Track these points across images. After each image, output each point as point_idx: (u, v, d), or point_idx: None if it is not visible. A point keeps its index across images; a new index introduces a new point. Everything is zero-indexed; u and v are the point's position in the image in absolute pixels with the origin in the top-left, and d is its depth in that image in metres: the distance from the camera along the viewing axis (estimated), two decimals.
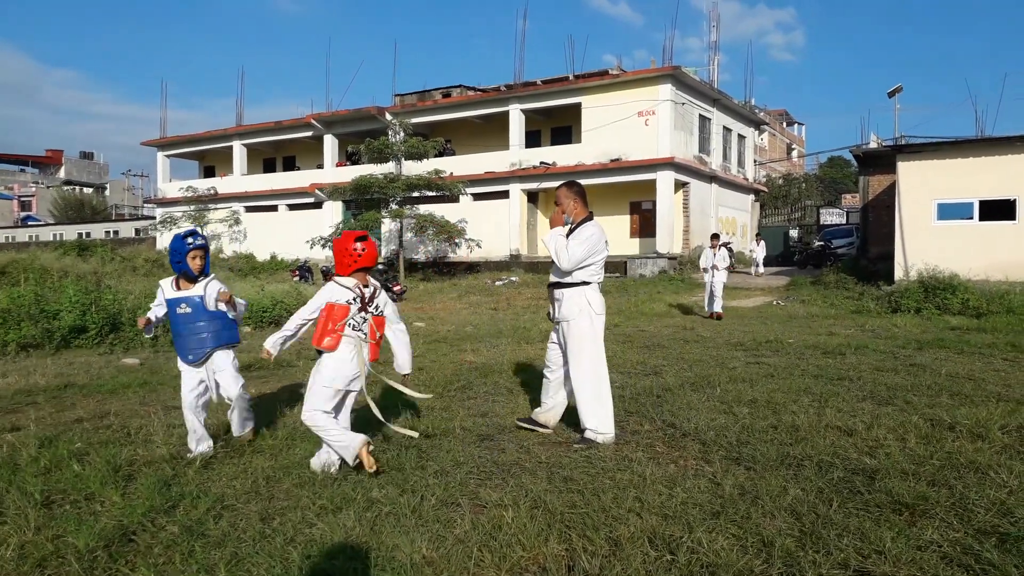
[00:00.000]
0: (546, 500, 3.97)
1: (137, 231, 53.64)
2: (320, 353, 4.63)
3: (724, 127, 32.74)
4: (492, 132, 32.53)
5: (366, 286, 4.77)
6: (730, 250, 28.85)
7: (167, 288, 5.23)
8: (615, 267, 26.49)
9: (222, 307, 5.26)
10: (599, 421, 5.23)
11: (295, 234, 32.97)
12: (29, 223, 67.84)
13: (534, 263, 28.40)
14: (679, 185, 28.46)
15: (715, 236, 16.50)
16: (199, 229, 36.89)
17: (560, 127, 32.21)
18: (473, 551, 3.37)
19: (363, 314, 4.68)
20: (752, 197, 35.98)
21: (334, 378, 4.58)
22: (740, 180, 34.25)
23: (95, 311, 11.88)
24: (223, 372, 5.28)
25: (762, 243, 27.58)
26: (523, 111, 30.76)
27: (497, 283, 24.57)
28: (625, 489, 4.13)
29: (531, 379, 7.73)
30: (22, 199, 77.53)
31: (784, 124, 61.75)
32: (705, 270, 15.78)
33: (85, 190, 79.85)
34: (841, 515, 3.70)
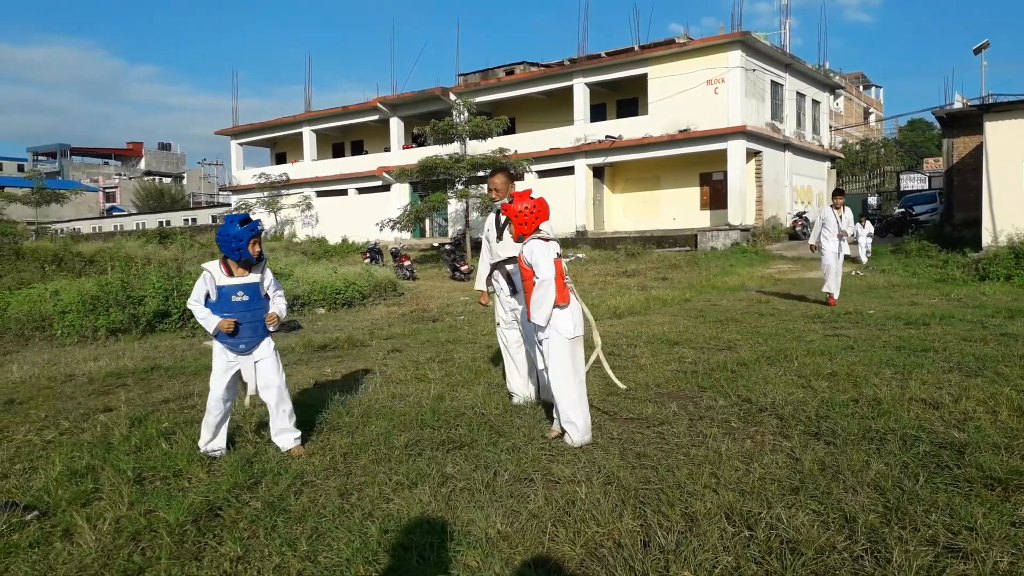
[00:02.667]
0: (619, 476, 3.94)
1: (214, 218, 55.45)
2: None
3: (797, 93, 31.65)
4: (556, 108, 32.25)
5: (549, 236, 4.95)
6: (806, 220, 28.02)
7: (217, 274, 4.73)
8: (685, 240, 26.03)
9: (280, 303, 4.96)
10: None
11: (365, 217, 33.51)
12: (113, 213, 70.92)
13: (601, 239, 28.16)
14: (751, 154, 27.70)
15: (839, 192, 12.51)
16: (273, 215, 37.91)
17: (626, 99, 31.69)
18: (547, 526, 3.37)
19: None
20: (828, 164, 34.75)
21: (574, 325, 4.76)
22: (815, 147, 33.11)
23: (176, 297, 12.34)
24: (267, 360, 4.85)
25: (868, 224, 21.08)
26: (587, 85, 30.37)
27: (564, 260, 24.46)
28: (700, 465, 4.07)
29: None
30: (107, 190, 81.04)
31: (861, 87, 59.34)
32: (829, 237, 11.99)
33: (164, 180, 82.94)
34: (928, 490, 3.56)
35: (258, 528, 3.53)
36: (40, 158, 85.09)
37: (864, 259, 20.11)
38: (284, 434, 4.85)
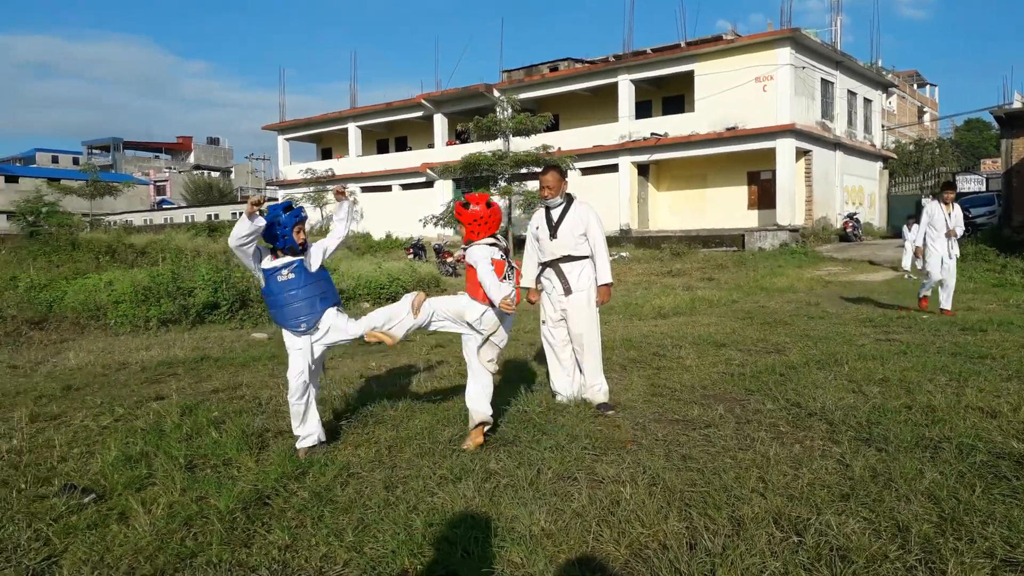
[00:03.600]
0: (665, 477, 3.90)
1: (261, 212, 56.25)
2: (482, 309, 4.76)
3: (848, 91, 31.01)
4: (600, 104, 32.09)
5: (499, 241, 4.97)
6: (857, 221, 27.44)
7: (264, 257, 4.75)
8: (732, 240, 25.69)
9: (335, 236, 5.01)
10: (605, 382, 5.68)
11: (408, 213, 33.76)
12: (164, 206, 72.57)
13: (645, 237, 27.95)
14: (800, 153, 27.22)
15: (949, 185, 11.03)
16: (319, 210, 38.39)
17: (671, 96, 31.38)
18: (591, 525, 3.36)
19: (510, 269, 4.87)
20: (880, 164, 33.98)
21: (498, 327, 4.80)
22: (867, 146, 32.40)
23: (225, 288, 12.58)
24: (337, 327, 4.75)
25: (915, 228, 20.86)
26: (632, 81, 30.15)
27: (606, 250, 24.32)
28: (747, 469, 4.01)
29: (644, 356, 7.63)
30: (157, 184, 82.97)
31: (915, 86, 57.84)
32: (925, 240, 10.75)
33: (212, 174, 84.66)
34: (985, 501, 3.46)
35: (305, 518, 3.59)
36: (94, 152, 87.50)
37: (907, 264, 18.92)
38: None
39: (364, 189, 39.45)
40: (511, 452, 4.48)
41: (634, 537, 3.26)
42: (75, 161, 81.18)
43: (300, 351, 4.70)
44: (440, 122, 36.57)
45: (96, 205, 51.76)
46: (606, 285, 5.63)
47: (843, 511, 3.41)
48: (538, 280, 5.88)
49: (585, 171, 30.51)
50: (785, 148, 26.15)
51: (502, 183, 27.85)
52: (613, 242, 27.63)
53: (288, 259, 4.71)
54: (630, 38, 41.73)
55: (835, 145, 29.40)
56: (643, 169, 30.53)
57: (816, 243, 25.46)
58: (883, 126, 36.58)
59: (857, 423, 4.81)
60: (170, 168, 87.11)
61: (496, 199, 28.71)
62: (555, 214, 5.68)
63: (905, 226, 19.21)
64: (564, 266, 5.63)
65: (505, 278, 4.73)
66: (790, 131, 25.89)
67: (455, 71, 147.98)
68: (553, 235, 5.64)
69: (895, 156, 36.57)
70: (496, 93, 32.61)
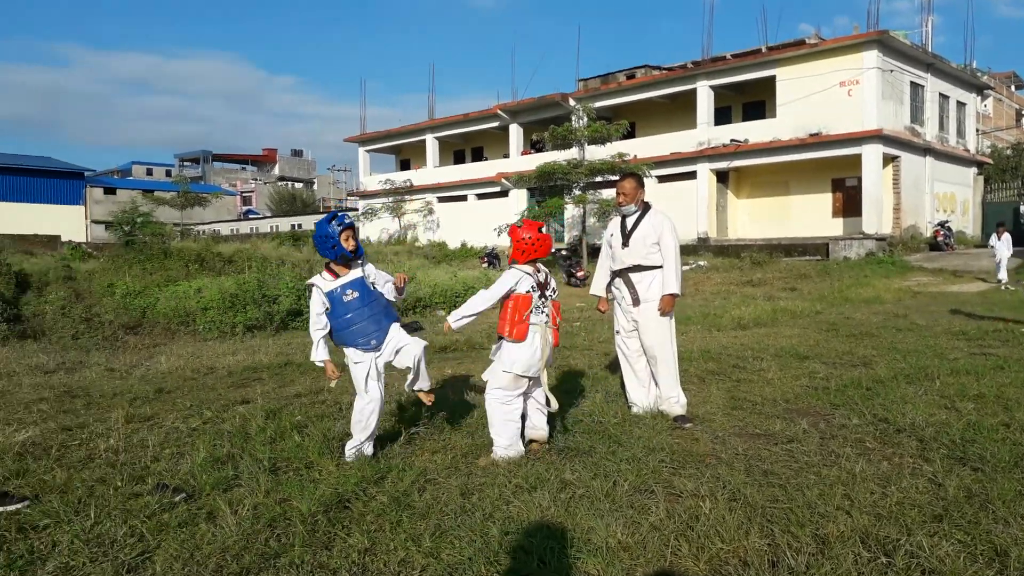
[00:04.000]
0: (745, 493, 3.81)
1: None
2: (501, 338, 4.74)
3: (940, 94, 29.73)
4: (678, 112, 31.69)
5: (539, 272, 4.83)
6: (949, 230, 26.25)
7: (323, 283, 4.72)
8: (815, 249, 24.94)
9: (391, 289, 4.94)
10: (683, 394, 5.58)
11: (483, 222, 34.05)
12: (250, 216, 75.29)
13: (724, 246, 27.41)
14: (888, 159, 26.24)
15: None
16: (397, 220, 39.10)
17: (752, 102, 30.75)
18: (670, 539, 3.30)
19: (542, 299, 4.77)
20: (974, 170, 32.44)
21: (514, 362, 4.66)
22: (959, 151, 30.99)
23: (308, 296, 12.95)
24: (402, 340, 4.83)
25: (1006, 237, 18.17)
26: (712, 87, 29.68)
27: (684, 268, 23.97)
28: (832, 486, 3.88)
29: (723, 368, 7.48)
30: (244, 194, 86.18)
31: (1012, 88, 54.98)
32: None
33: (296, 185, 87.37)
34: None
35: (384, 522, 3.64)
36: (185, 164, 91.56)
37: (1003, 275, 17.79)
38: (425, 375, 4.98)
39: (441, 199, 40.01)
40: (587, 463, 4.45)
41: (714, 553, 3.19)
42: (167, 173, 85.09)
43: (360, 365, 4.77)
44: (515, 132, 36.81)
45: (186, 215, 54.05)
46: (671, 295, 5.50)
47: (936, 532, 3.26)
48: (609, 289, 5.81)
49: (662, 179, 30.14)
50: (871, 154, 25.26)
51: (576, 192, 27.78)
52: (690, 251, 27.22)
53: (350, 277, 4.70)
54: (709, 44, 41.13)
55: (925, 151, 28.24)
56: (722, 176, 29.98)
57: (904, 252, 24.47)
58: (978, 130, 34.89)
59: (950, 441, 4.59)
60: (256, 179, 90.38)
61: (570, 208, 28.81)
62: (629, 222, 5.61)
63: (995, 234, 18.19)
64: (633, 276, 5.56)
65: (535, 310, 4.71)
66: (877, 137, 25.00)
67: (531, 81, 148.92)
68: (625, 243, 5.57)
69: (991, 161, 34.82)
70: (571, 102, 32.62)
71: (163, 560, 3.27)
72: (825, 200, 28.52)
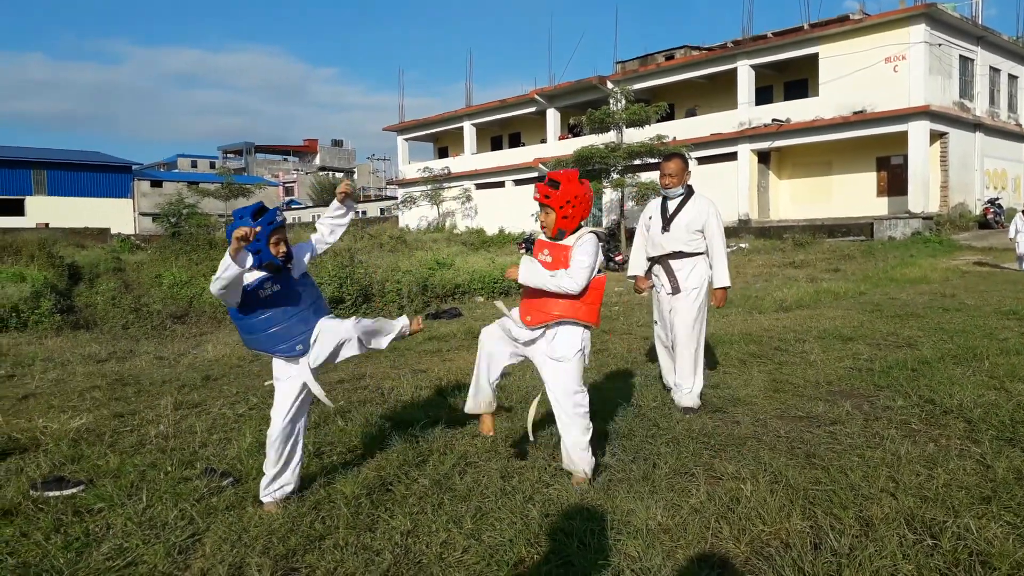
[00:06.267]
0: (787, 475, 3.78)
1: (382, 211, 58.34)
2: (567, 324, 3.90)
3: (991, 67, 28.78)
4: (718, 92, 31.21)
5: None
6: (999, 207, 25.48)
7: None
8: (860, 229, 24.42)
9: (327, 230, 4.05)
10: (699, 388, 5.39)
11: (520, 208, 33.99)
12: (292, 206, 76.25)
13: (765, 228, 26.98)
14: (935, 136, 25.53)
15: None
16: (436, 207, 39.19)
17: (794, 81, 30.13)
18: (710, 522, 3.30)
19: None
20: None
21: (588, 352, 4.02)
22: (1011, 126, 30.00)
23: (350, 284, 13.10)
24: (330, 329, 3.85)
25: None
26: (752, 67, 29.14)
27: (725, 250, 23.68)
28: (876, 468, 3.83)
29: (765, 351, 7.40)
30: (286, 185, 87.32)
31: None
32: None
33: (337, 175, 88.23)
34: None
35: (426, 504, 3.70)
36: (228, 156, 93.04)
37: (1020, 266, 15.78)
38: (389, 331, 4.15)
39: (478, 186, 40.05)
40: (625, 446, 4.46)
41: (755, 535, 3.18)
42: (211, 165, 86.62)
43: (291, 380, 3.82)
44: (553, 117, 36.63)
45: (230, 206, 55.03)
46: (723, 288, 5.34)
47: (984, 514, 3.20)
48: (648, 274, 5.60)
49: (702, 160, 29.75)
50: (918, 131, 24.60)
51: (615, 175, 27.57)
52: (732, 233, 26.84)
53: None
54: (749, 23, 40.43)
55: (975, 126, 27.41)
56: (763, 157, 29.49)
57: (952, 231, 23.82)
58: None
59: (999, 422, 4.49)
60: (297, 170, 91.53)
61: (608, 191, 28.61)
62: (671, 205, 5.37)
63: (1020, 215, 16.25)
64: (674, 263, 5.33)
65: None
66: (924, 113, 24.33)
67: (568, 64, 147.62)
68: (666, 227, 5.33)
69: None
70: (609, 85, 32.30)
71: (212, 542, 3.37)
72: (869, 179, 27.88)
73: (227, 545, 3.33)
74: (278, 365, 3.85)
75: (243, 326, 3.80)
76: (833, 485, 3.63)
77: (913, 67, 24.73)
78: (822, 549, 3.02)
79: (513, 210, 35.74)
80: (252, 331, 3.77)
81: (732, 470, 3.93)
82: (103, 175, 55.54)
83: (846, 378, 5.99)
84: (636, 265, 5.68)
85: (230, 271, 3.45)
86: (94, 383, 7.27)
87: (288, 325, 3.75)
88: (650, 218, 5.52)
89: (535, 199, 3.98)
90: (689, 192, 5.41)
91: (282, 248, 3.71)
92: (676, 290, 5.32)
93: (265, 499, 3.79)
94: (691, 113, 32.45)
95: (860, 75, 25.67)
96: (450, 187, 40.44)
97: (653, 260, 5.49)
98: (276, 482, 3.82)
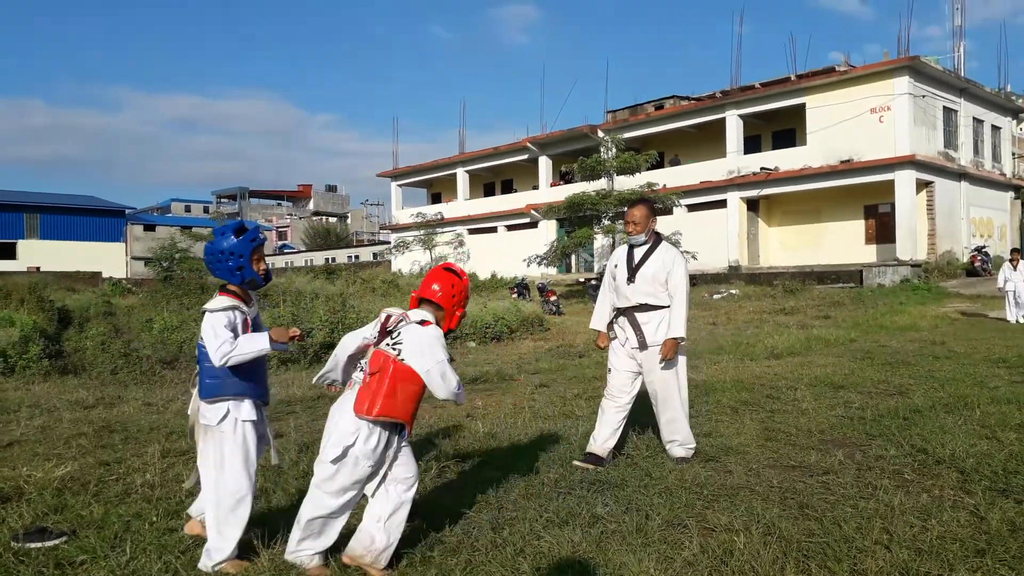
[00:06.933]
0: (780, 527, 3.75)
1: (375, 255, 58.50)
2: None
3: (974, 118, 29.41)
4: (707, 141, 31.71)
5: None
6: (986, 255, 25.76)
7: (236, 316, 3.63)
8: (849, 276, 24.62)
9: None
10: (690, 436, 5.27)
11: (513, 253, 34.18)
12: (285, 251, 76.43)
13: (755, 274, 27.17)
14: (921, 185, 25.95)
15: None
16: (428, 252, 39.34)
17: (782, 130, 30.68)
18: (704, 575, 3.26)
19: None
20: (1011, 194, 31.91)
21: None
22: (995, 176, 30.53)
23: (342, 329, 13.06)
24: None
25: (1023, 266, 15.58)
26: (740, 116, 29.69)
27: (715, 296, 23.80)
28: (870, 519, 3.80)
29: (757, 399, 7.39)
30: (279, 229, 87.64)
31: None
32: None
33: (330, 220, 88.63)
34: None
35: (415, 557, 3.64)
36: (222, 200, 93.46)
37: (1012, 315, 15.23)
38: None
39: (471, 231, 40.32)
40: (618, 496, 4.42)
41: None
42: (205, 210, 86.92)
43: (250, 425, 3.64)
44: (545, 164, 37.08)
45: None
46: (675, 339, 5.04)
47: (978, 568, 3.18)
48: (611, 327, 5.38)
49: (692, 207, 30.10)
50: (904, 180, 25.00)
51: (606, 222, 27.81)
52: (722, 279, 27.01)
53: (254, 311, 3.78)
54: (738, 74, 41.22)
55: (959, 176, 27.88)
56: (753, 205, 29.84)
57: (940, 278, 24.06)
58: (1014, 154, 34.39)
59: (992, 472, 4.48)
60: (291, 215, 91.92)
61: (599, 238, 28.82)
62: (637, 254, 5.19)
63: (1007, 264, 15.68)
64: (640, 316, 5.12)
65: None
66: (909, 162, 24.77)
67: (560, 114, 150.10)
68: (631, 278, 5.14)
69: None
70: (600, 133, 32.79)
71: None
72: (858, 227, 28.22)
73: None
74: (246, 408, 3.59)
75: (223, 371, 3.51)
76: (827, 537, 3.60)
77: (898, 117, 25.24)
78: None
79: (506, 255, 35.92)
80: (231, 373, 3.53)
81: (725, 521, 3.89)
82: (96, 219, 55.62)
83: (838, 427, 5.98)
84: (598, 319, 5.43)
85: (261, 350, 3.49)
86: (80, 430, 7.18)
87: (262, 372, 3.74)
88: (616, 266, 5.32)
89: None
90: (656, 240, 5.25)
91: (262, 266, 3.69)
92: (643, 346, 5.11)
93: (216, 563, 3.53)
94: (674, 163, 32.92)
95: (847, 125, 26.16)
96: (443, 232, 40.67)
97: (618, 312, 5.29)
98: (232, 545, 3.58)
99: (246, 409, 3.61)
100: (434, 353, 3.43)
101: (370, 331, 3.61)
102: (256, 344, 3.48)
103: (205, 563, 3.54)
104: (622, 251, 5.36)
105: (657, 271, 5.10)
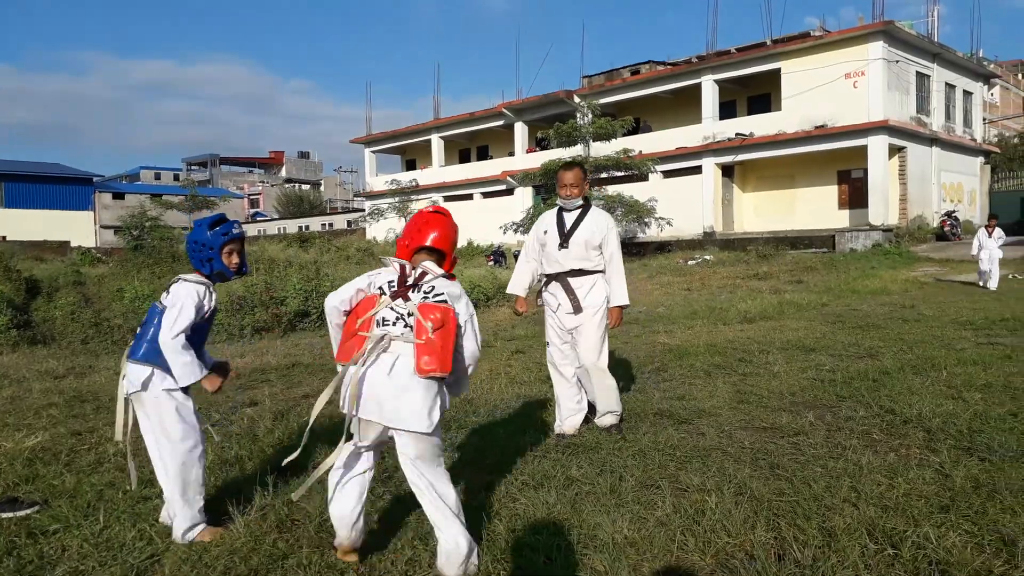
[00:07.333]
0: (751, 487, 3.81)
1: (349, 223, 57.95)
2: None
3: (946, 84, 29.58)
4: (683, 106, 31.62)
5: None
6: (955, 220, 26.12)
7: (207, 297, 3.68)
8: (822, 241, 24.86)
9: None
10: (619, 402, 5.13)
11: (489, 220, 34.05)
12: (257, 219, 75.46)
13: (729, 240, 27.33)
14: (894, 150, 26.14)
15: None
16: (403, 219, 39.06)
17: (757, 96, 30.66)
18: (676, 534, 3.31)
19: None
20: (981, 159, 32.27)
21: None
22: (966, 141, 30.82)
23: (315, 297, 13.00)
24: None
25: (998, 233, 15.40)
26: (716, 82, 29.61)
27: (690, 262, 23.94)
28: (839, 478, 3.87)
29: (730, 362, 7.47)
30: (251, 197, 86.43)
31: (1020, 76, 54.63)
32: None
33: (303, 187, 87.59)
34: None
35: (390, 521, 3.66)
36: (193, 167, 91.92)
37: (993, 283, 14.96)
38: None
39: (447, 198, 40.04)
40: (592, 459, 4.46)
41: (720, 547, 3.19)
42: (176, 177, 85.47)
43: (190, 403, 3.68)
44: (520, 130, 36.81)
45: (194, 218, 54.36)
46: (620, 307, 5.07)
47: (943, 523, 3.25)
48: (540, 294, 5.26)
49: (668, 174, 30.10)
50: (877, 145, 25.17)
51: None
52: (696, 245, 27.15)
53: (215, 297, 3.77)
54: (714, 39, 41.12)
55: (931, 141, 28.12)
56: (727, 170, 29.91)
57: (911, 243, 24.37)
58: (984, 119, 34.69)
59: (957, 431, 4.58)
60: (263, 182, 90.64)
61: None
62: (569, 219, 5.06)
63: (982, 230, 15.72)
64: (573, 280, 5.02)
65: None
66: (882, 127, 24.91)
67: (536, 79, 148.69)
68: (564, 243, 5.01)
69: (998, 150, 34.65)
70: (576, 99, 32.56)
71: (172, 563, 3.29)
72: (831, 192, 28.43)
73: (187, 566, 3.26)
74: (180, 393, 3.60)
75: (183, 344, 3.51)
76: (797, 496, 3.66)
77: (872, 83, 25.32)
78: (786, 560, 3.04)
79: (482, 222, 35.75)
80: (189, 350, 3.54)
81: (697, 482, 3.95)
82: (63, 187, 54.40)
83: (809, 389, 6.07)
84: (517, 283, 5.28)
85: (188, 375, 3.51)
86: (51, 400, 7.10)
87: (202, 347, 3.77)
88: (545, 232, 5.15)
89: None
90: (587, 205, 5.14)
91: (235, 259, 3.73)
92: (578, 309, 5.00)
93: (184, 539, 3.52)
94: (646, 129, 32.81)
95: (821, 90, 26.21)
96: (418, 199, 40.36)
97: (550, 277, 5.15)
98: (199, 519, 3.60)
99: (171, 382, 3.56)
100: (468, 307, 3.28)
101: (363, 283, 3.32)
102: (192, 370, 3.49)
103: (177, 536, 3.53)
104: (551, 215, 5.21)
105: (591, 236, 5.00)
